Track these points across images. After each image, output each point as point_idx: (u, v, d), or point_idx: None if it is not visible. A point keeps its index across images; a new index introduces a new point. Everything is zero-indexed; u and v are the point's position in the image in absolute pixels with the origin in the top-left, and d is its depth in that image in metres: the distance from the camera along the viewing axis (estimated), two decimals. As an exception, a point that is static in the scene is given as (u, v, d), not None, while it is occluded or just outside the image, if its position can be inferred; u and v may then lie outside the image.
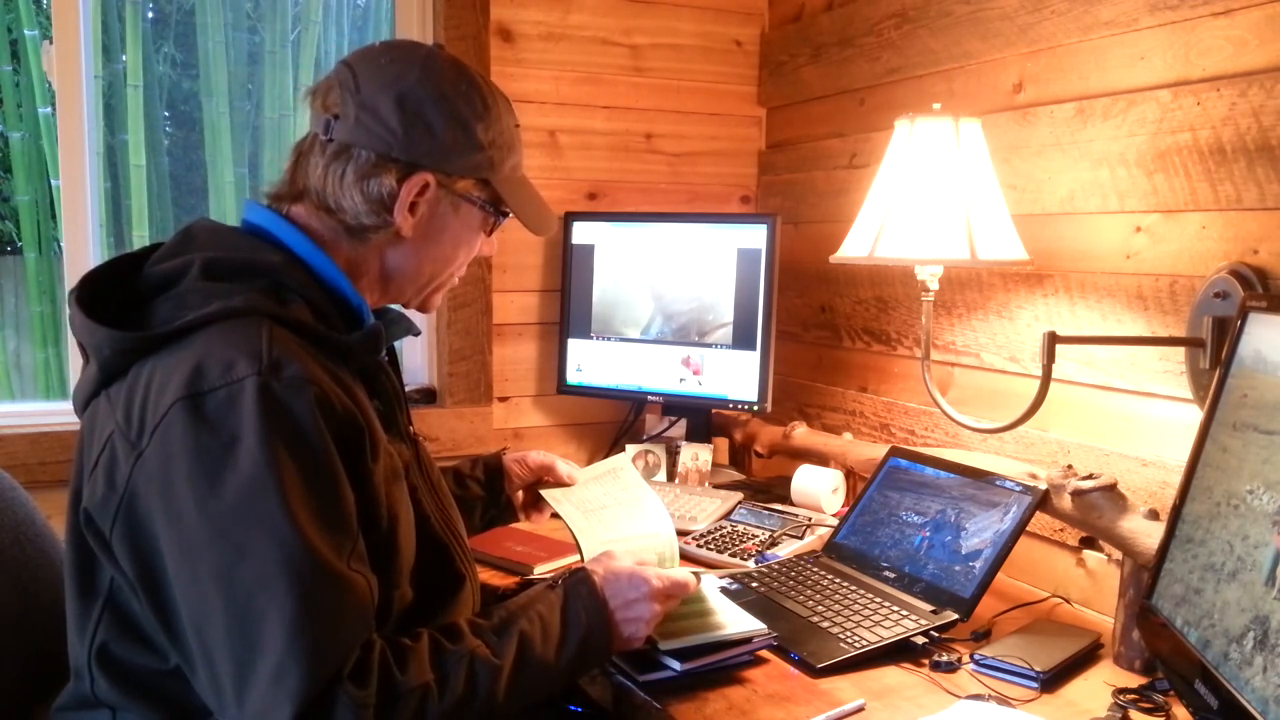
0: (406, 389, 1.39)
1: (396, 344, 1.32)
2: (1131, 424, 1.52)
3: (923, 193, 1.54)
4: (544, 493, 1.50)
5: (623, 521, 1.54)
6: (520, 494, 1.55)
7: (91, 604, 1.07)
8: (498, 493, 1.52)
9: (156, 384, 1.00)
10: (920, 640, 1.34)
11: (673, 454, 2.13)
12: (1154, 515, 1.33)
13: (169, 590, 0.99)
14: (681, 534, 1.73)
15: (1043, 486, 1.45)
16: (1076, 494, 1.40)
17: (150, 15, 2.35)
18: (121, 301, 1.08)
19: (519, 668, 1.07)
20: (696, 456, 2.09)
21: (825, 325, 2.21)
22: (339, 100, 1.13)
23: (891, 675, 1.28)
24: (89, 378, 1.08)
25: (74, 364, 1.97)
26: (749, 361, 2.06)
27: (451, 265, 1.24)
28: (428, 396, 2.23)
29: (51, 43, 1.90)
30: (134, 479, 0.99)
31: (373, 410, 1.11)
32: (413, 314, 1.29)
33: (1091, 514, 1.39)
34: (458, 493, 1.45)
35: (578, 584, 1.17)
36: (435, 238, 1.19)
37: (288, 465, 0.96)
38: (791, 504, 1.93)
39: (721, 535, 1.75)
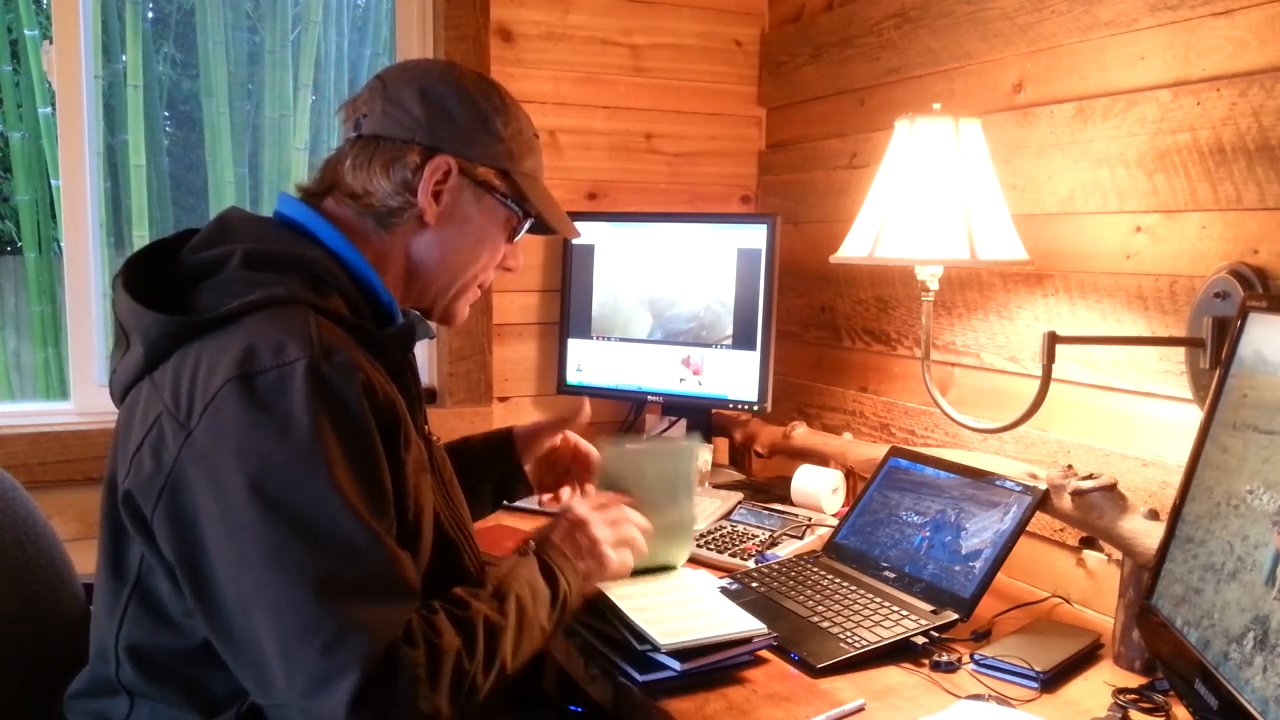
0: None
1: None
2: (1131, 424, 1.52)
3: (923, 193, 1.54)
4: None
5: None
6: (532, 470, 1.57)
7: (121, 587, 1.08)
8: (507, 459, 1.54)
9: (205, 366, 1.01)
10: (920, 640, 1.34)
11: (673, 454, 2.13)
12: (1154, 515, 1.33)
13: (211, 568, 0.99)
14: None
15: (1043, 486, 1.45)
16: (1076, 494, 1.40)
17: (150, 15, 2.35)
18: (161, 287, 1.09)
19: (519, 629, 1.11)
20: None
21: (825, 325, 2.21)
22: (367, 101, 1.19)
23: (891, 675, 1.28)
24: (133, 362, 1.08)
25: (74, 364, 1.97)
26: (749, 361, 2.06)
27: (475, 264, 1.26)
28: (428, 396, 2.22)
29: (51, 43, 1.90)
30: (182, 458, 0.99)
31: (403, 403, 1.13)
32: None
33: (1091, 514, 1.39)
34: (464, 473, 1.45)
35: (541, 542, 1.23)
36: (459, 228, 1.22)
37: (335, 444, 0.98)
38: (791, 504, 1.93)
39: (721, 535, 1.75)
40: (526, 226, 1.28)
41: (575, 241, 2.21)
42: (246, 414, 0.97)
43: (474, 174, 1.20)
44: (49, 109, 2.06)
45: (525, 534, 1.71)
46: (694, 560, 1.66)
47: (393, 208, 1.17)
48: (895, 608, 1.40)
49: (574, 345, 2.23)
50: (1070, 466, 1.45)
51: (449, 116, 1.18)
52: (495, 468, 1.54)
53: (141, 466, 1.02)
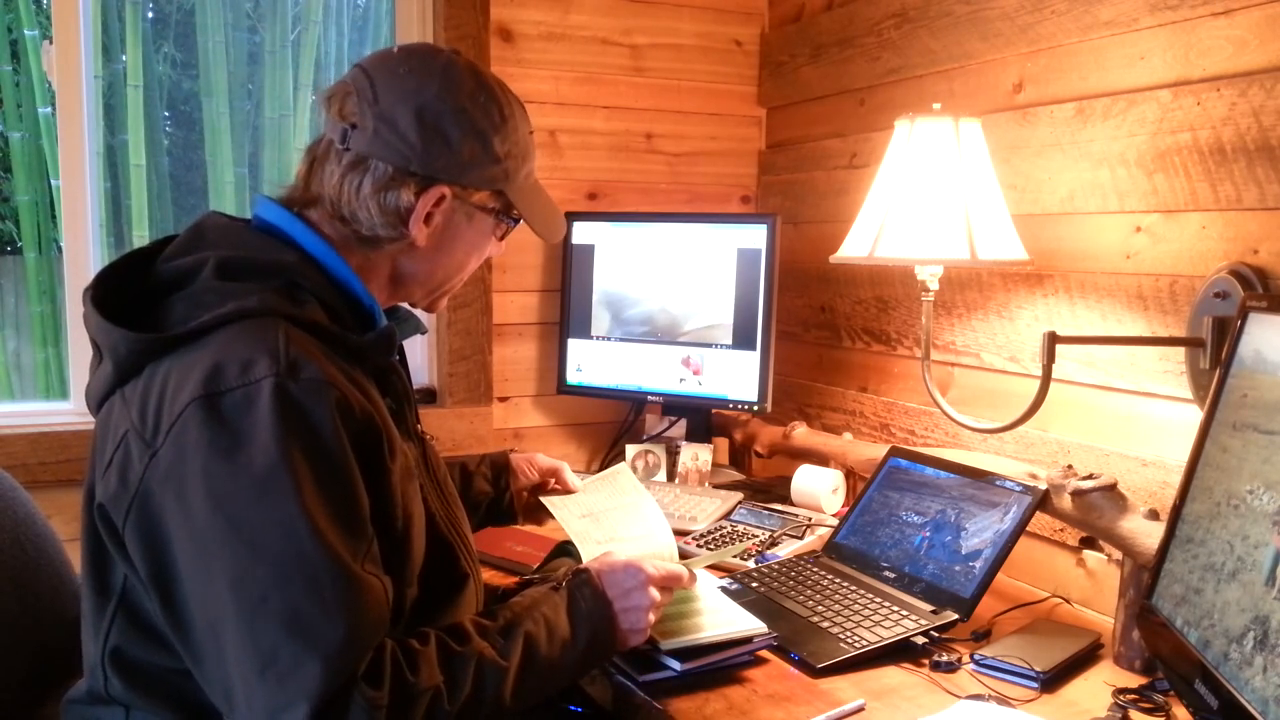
0: (409, 388, 1.40)
1: (404, 343, 1.33)
2: (1131, 424, 1.52)
3: (923, 193, 1.54)
4: (544, 500, 1.53)
5: (619, 525, 1.56)
6: (524, 494, 1.57)
7: (106, 602, 1.07)
8: (503, 490, 1.54)
9: (173, 384, 1.00)
10: (920, 640, 1.34)
11: (673, 454, 2.13)
12: (1154, 515, 1.33)
13: (181, 588, 0.98)
14: (681, 534, 1.73)
15: (1043, 486, 1.45)
16: (1076, 494, 1.40)
17: (150, 15, 2.35)
18: (135, 298, 1.08)
19: (525, 669, 1.07)
20: (696, 456, 2.09)
21: (825, 325, 2.21)
22: (356, 109, 1.12)
23: (891, 675, 1.28)
24: (103, 377, 1.07)
25: (74, 364, 1.97)
26: (749, 361, 2.06)
27: (462, 271, 1.25)
28: (428, 396, 2.23)
29: (51, 43, 1.90)
30: (147, 477, 0.98)
31: (386, 409, 1.11)
32: (418, 312, 1.30)
33: (1091, 514, 1.39)
34: (463, 488, 1.46)
35: (580, 584, 1.17)
36: (448, 246, 1.19)
37: (302, 465, 0.96)
38: (791, 504, 1.93)
39: (721, 535, 1.75)
40: (515, 226, 1.26)
41: (575, 241, 2.21)
42: (210, 434, 0.96)
43: (468, 199, 1.17)
44: (49, 109, 2.06)
45: (524, 532, 1.73)
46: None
47: (381, 236, 1.14)
48: (895, 608, 1.40)
49: (574, 345, 2.23)
50: (1070, 466, 1.45)
51: (446, 143, 1.11)
52: (491, 499, 1.53)
53: (110, 483, 1.02)
